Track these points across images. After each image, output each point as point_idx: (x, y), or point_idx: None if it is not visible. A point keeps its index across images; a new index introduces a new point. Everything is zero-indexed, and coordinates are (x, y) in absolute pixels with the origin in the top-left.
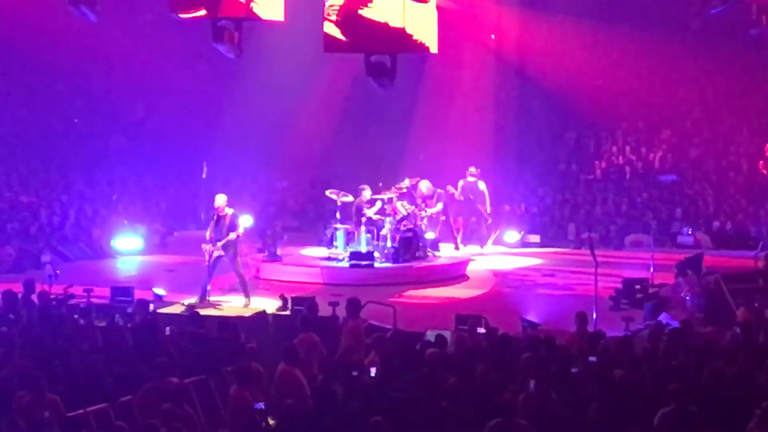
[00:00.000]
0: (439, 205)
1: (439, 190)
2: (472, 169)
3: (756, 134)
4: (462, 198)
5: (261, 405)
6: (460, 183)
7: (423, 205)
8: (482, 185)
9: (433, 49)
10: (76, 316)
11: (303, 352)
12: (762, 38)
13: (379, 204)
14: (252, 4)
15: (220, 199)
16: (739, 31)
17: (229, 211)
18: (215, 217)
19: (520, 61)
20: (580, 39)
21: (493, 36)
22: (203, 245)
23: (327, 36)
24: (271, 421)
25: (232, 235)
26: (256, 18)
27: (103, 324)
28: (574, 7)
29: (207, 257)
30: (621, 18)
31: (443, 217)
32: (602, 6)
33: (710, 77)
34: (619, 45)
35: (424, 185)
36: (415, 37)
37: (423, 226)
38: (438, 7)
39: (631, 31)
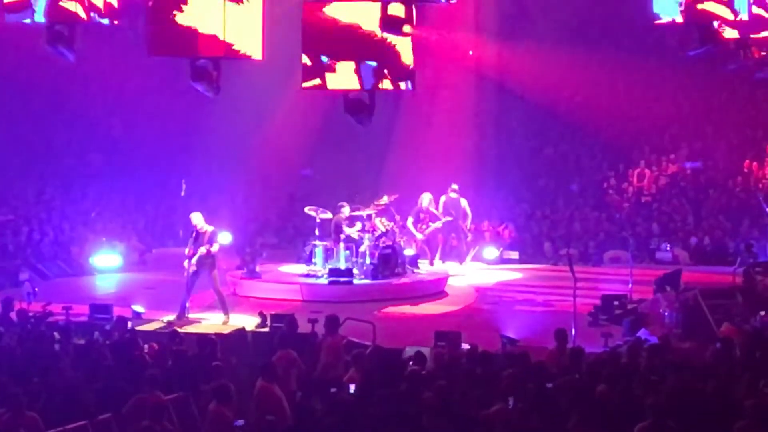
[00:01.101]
0: (438, 223)
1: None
2: (455, 186)
3: (734, 150)
4: (442, 215)
5: (240, 422)
6: (442, 199)
7: (425, 217)
8: (464, 202)
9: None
10: (55, 334)
11: (281, 369)
12: (739, 73)
13: (359, 225)
14: (230, 43)
15: (197, 218)
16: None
17: (209, 228)
18: (194, 234)
19: (499, 78)
20: (558, 57)
21: (471, 52)
22: (184, 262)
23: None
24: None
25: (202, 250)
26: (235, 57)
27: (82, 341)
28: (552, 33)
29: (185, 274)
30: (599, 37)
31: (422, 235)
32: (580, 28)
33: (687, 93)
34: (597, 62)
35: (426, 198)
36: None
37: (402, 243)
38: (416, 36)
39: (608, 49)
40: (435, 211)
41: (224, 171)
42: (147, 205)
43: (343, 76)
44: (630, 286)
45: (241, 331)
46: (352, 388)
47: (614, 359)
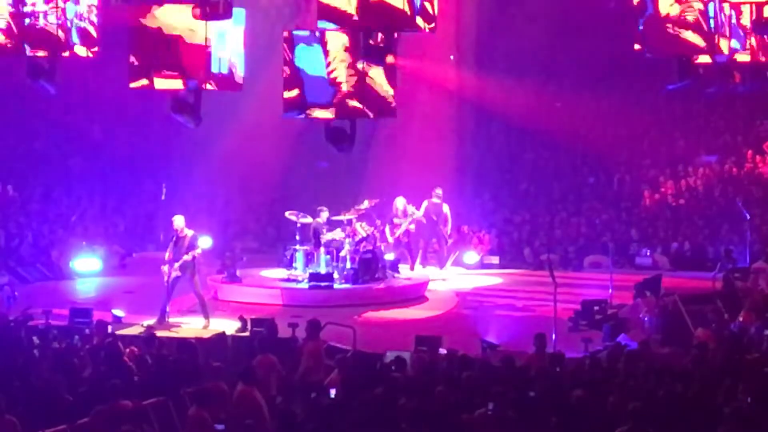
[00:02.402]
0: (409, 225)
1: (411, 208)
2: (438, 191)
3: (712, 155)
4: (424, 219)
5: (221, 426)
6: (424, 203)
7: (398, 222)
8: (446, 207)
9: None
10: (34, 338)
11: (261, 374)
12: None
13: (339, 232)
14: (210, 78)
15: (179, 221)
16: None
17: (189, 232)
18: (174, 238)
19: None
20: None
21: (452, 57)
22: (162, 267)
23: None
24: None
25: (188, 256)
26: (215, 88)
27: (61, 345)
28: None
29: (166, 278)
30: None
31: (405, 238)
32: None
33: (666, 99)
34: (576, 67)
35: (400, 202)
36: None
37: (382, 247)
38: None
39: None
40: (412, 212)
41: (204, 175)
42: (127, 209)
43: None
44: (610, 291)
45: (221, 336)
46: (332, 392)
47: (594, 364)
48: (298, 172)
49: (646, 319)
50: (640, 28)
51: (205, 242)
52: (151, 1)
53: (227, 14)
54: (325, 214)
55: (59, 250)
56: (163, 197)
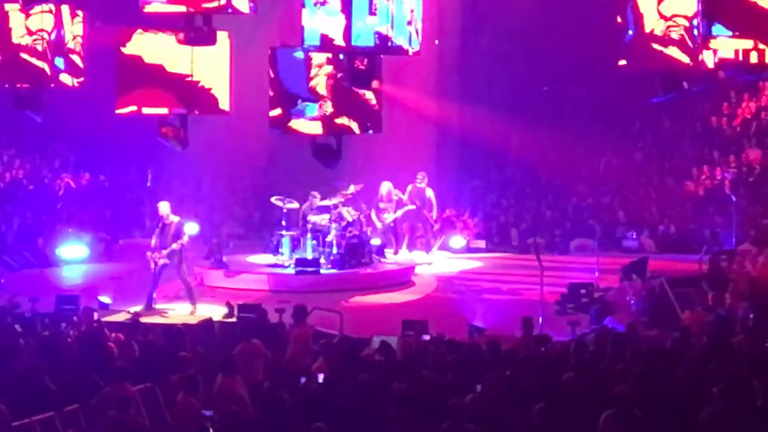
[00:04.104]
0: (399, 212)
1: (396, 192)
2: (420, 175)
3: (698, 138)
4: (410, 204)
5: (209, 412)
6: (408, 188)
7: (385, 207)
8: (430, 192)
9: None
10: (17, 326)
11: (245, 360)
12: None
13: (326, 216)
14: (197, 102)
15: (164, 207)
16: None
17: (175, 218)
18: (160, 225)
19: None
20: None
21: (437, 41)
22: (148, 253)
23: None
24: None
25: (175, 245)
26: (203, 113)
27: (48, 333)
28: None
29: (152, 265)
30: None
31: (391, 224)
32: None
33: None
34: (562, 53)
35: (385, 187)
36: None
37: (368, 232)
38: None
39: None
40: (397, 197)
41: (190, 161)
42: (113, 195)
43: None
44: (596, 274)
45: (208, 322)
46: (320, 377)
47: (581, 347)
48: (283, 158)
49: (632, 302)
50: (625, 43)
51: (191, 228)
52: (133, 26)
53: (212, 40)
54: (316, 199)
55: (45, 238)
56: (148, 183)
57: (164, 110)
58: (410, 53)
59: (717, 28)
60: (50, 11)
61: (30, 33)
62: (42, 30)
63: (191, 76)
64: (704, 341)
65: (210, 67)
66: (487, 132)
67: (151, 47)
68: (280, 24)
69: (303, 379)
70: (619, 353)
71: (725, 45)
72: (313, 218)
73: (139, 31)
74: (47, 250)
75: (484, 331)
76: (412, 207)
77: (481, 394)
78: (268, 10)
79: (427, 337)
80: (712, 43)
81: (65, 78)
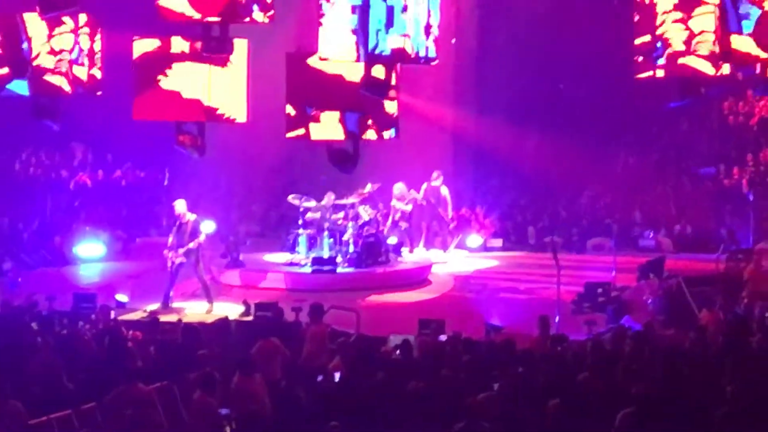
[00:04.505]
0: (409, 206)
1: (412, 192)
2: (435, 174)
3: (714, 137)
4: (424, 202)
5: (225, 411)
6: (423, 186)
7: (398, 205)
8: (445, 190)
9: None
10: (38, 324)
11: (264, 358)
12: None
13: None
14: (214, 108)
15: (180, 206)
16: None
17: (191, 216)
18: (177, 224)
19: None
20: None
21: (453, 41)
22: (165, 251)
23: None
24: (234, 427)
25: (192, 244)
26: (220, 120)
27: (65, 331)
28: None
29: (169, 264)
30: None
31: (406, 224)
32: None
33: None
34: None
35: (397, 188)
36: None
37: (385, 231)
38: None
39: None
40: (412, 197)
41: (207, 159)
42: (130, 194)
43: (328, 127)
44: (613, 273)
45: (224, 320)
46: (337, 376)
47: (598, 347)
48: (300, 156)
49: (649, 301)
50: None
51: (208, 227)
52: (151, 35)
53: (229, 49)
54: (329, 198)
55: (62, 236)
56: (165, 182)
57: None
58: (428, 63)
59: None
60: (72, 31)
61: (53, 53)
62: (63, 50)
63: (208, 102)
64: (720, 340)
65: (227, 90)
66: (504, 131)
67: (168, 72)
68: (297, 25)
69: (319, 378)
70: (636, 352)
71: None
72: (310, 216)
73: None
74: (64, 248)
75: (501, 330)
76: (422, 202)
77: (497, 392)
78: (282, 12)
79: (443, 337)
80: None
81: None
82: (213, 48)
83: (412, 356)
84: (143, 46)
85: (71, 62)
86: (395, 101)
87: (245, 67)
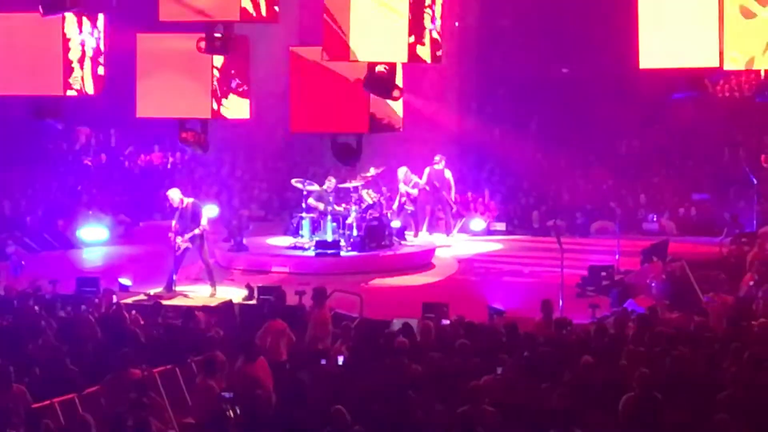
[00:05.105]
0: (415, 190)
1: (414, 176)
2: (438, 157)
3: (720, 121)
4: (427, 186)
5: (228, 394)
6: (426, 170)
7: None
8: (448, 173)
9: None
10: (41, 307)
11: (271, 339)
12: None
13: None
14: (219, 107)
15: (174, 194)
16: None
17: (189, 200)
18: (178, 210)
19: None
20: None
21: (456, 24)
22: (170, 234)
23: (292, 116)
24: (237, 411)
25: (197, 230)
26: (223, 119)
27: (68, 315)
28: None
29: (175, 248)
30: None
31: (411, 207)
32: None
33: None
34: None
35: (401, 172)
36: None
37: (389, 215)
38: None
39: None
40: (412, 180)
41: (210, 143)
42: (133, 177)
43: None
44: (617, 257)
45: (228, 304)
46: (340, 360)
47: (601, 330)
48: (303, 139)
49: (653, 284)
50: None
51: (211, 211)
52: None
53: (232, 48)
54: (330, 183)
55: (66, 220)
56: (169, 166)
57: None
58: (430, 62)
59: None
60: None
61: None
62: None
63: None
64: (724, 324)
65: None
66: (508, 114)
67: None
68: (298, 17)
69: (323, 362)
70: (640, 336)
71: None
72: (312, 202)
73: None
74: (68, 232)
75: (504, 314)
76: (425, 187)
77: (500, 376)
78: (284, 4)
79: (447, 320)
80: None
81: (89, 88)
82: (217, 48)
83: (416, 340)
84: (147, 41)
85: (79, 61)
86: (400, 100)
87: (247, 65)
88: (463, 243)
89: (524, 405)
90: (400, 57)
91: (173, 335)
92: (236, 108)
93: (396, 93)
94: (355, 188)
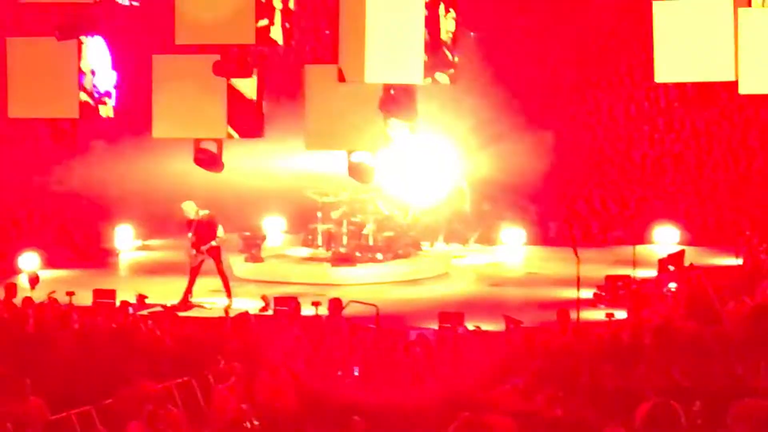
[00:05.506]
0: (429, 200)
1: (431, 185)
2: (453, 167)
3: (736, 129)
4: (444, 195)
5: (245, 405)
6: (444, 179)
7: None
8: (464, 183)
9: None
10: (58, 319)
11: (287, 351)
12: None
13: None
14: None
15: (188, 207)
16: None
17: (204, 212)
18: (194, 223)
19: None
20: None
21: (472, 34)
22: (186, 247)
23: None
24: (255, 422)
25: (214, 242)
26: (239, 138)
27: (85, 327)
28: None
29: (190, 260)
30: None
31: (425, 216)
32: None
33: None
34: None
35: (415, 182)
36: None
37: (405, 225)
38: None
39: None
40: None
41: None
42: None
43: None
44: (633, 266)
45: (244, 315)
46: (356, 371)
47: (618, 340)
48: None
49: (669, 294)
50: None
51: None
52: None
53: (247, 73)
54: (344, 193)
55: (84, 231)
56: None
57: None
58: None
59: None
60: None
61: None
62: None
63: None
64: (742, 333)
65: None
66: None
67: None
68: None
69: (339, 373)
70: (657, 346)
71: None
72: (334, 214)
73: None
74: (86, 243)
75: (520, 323)
76: (442, 197)
77: (517, 385)
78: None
79: (463, 330)
80: None
81: (104, 112)
82: (232, 71)
83: (432, 350)
84: (162, 63)
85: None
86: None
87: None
88: (479, 253)
89: (541, 414)
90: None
91: (190, 347)
92: (250, 129)
93: (412, 116)
94: (370, 199)
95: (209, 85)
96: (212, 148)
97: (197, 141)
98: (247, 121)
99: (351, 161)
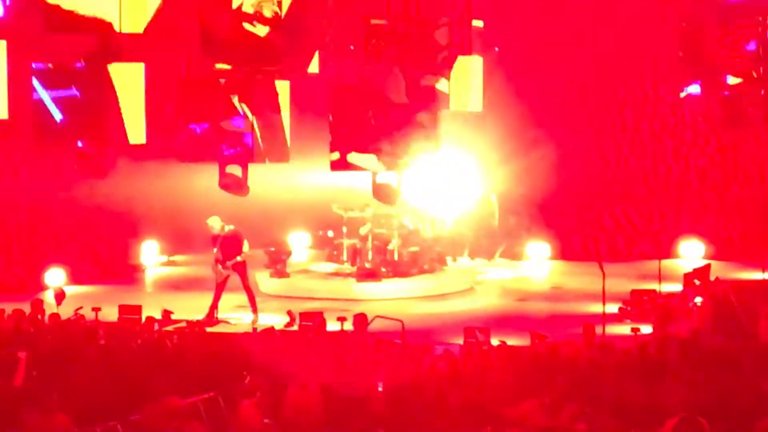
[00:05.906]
0: (455, 214)
1: (458, 200)
2: (480, 181)
3: (761, 143)
4: (471, 210)
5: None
6: (470, 194)
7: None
8: (491, 197)
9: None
10: (84, 335)
11: (312, 368)
12: None
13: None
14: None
15: (215, 222)
16: None
17: (230, 227)
18: (220, 238)
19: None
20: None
21: (497, 48)
22: (212, 263)
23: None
24: None
25: (240, 258)
26: (262, 161)
27: (111, 342)
28: None
29: (216, 275)
30: None
31: (452, 231)
32: None
33: None
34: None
35: (440, 196)
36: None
37: (430, 240)
38: None
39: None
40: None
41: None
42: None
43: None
44: (659, 280)
45: (269, 331)
46: (380, 386)
47: (644, 354)
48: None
49: (696, 308)
50: None
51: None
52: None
53: (276, 108)
54: (370, 208)
55: (110, 247)
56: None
57: None
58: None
59: None
60: None
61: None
62: None
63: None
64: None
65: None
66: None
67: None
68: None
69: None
70: (683, 360)
71: None
72: (363, 230)
73: None
74: (111, 259)
75: (546, 338)
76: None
77: (541, 400)
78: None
79: (489, 345)
80: None
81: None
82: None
83: (456, 365)
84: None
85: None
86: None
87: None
88: (505, 267)
89: (567, 429)
90: None
91: (215, 363)
92: (275, 151)
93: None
94: (396, 213)
95: (235, 111)
96: (237, 172)
97: (222, 165)
98: (275, 147)
99: (376, 182)
